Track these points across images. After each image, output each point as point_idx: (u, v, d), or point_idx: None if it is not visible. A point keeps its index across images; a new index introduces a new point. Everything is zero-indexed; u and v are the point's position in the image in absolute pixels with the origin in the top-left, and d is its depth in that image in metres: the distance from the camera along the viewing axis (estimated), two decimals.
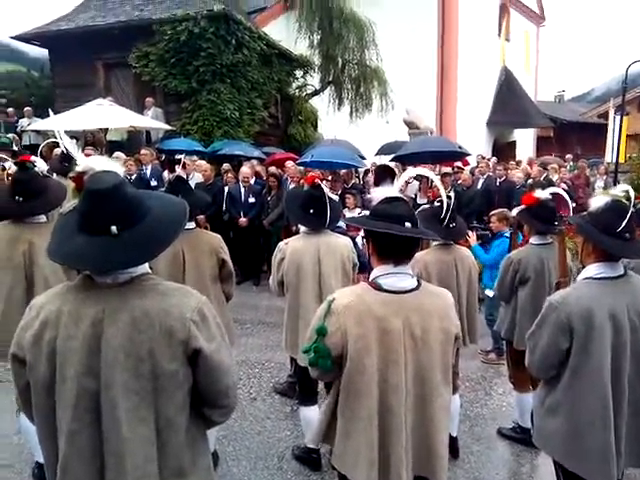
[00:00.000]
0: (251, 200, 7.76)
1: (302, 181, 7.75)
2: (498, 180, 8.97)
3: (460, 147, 8.56)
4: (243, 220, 7.63)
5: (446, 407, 1.81)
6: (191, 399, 1.50)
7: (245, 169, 7.97)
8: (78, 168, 1.49)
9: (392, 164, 10.36)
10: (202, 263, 3.18)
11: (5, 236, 2.97)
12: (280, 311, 3.67)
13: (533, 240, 3.44)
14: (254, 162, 9.17)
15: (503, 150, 20.77)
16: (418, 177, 7.84)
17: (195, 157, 8.69)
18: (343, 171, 8.33)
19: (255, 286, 7.70)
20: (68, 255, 1.42)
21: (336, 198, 3.70)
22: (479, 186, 8.84)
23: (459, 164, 9.81)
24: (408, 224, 1.73)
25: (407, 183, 7.80)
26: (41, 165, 3.22)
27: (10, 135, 10.29)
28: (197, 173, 7.92)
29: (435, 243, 3.34)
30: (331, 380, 1.85)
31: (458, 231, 3.36)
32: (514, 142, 22.37)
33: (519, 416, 3.62)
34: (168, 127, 10.13)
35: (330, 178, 8.11)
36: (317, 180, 3.25)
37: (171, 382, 1.43)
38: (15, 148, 9.13)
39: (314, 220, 3.15)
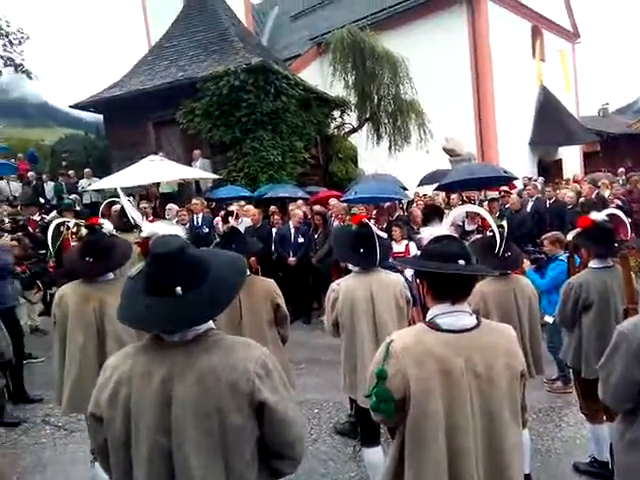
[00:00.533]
0: (300, 240, 7.92)
1: (348, 218, 7.86)
2: (548, 201, 8.76)
3: (505, 171, 8.47)
4: (292, 259, 7.78)
5: (518, 446, 1.74)
6: (259, 452, 1.51)
7: (298, 211, 8.18)
8: (143, 234, 1.61)
9: (435, 193, 10.35)
10: (258, 308, 3.28)
11: (76, 295, 3.13)
12: (333, 349, 3.66)
13: (593, 264, 3.33)
14: (299, 202, 9.40)
15: (549, 169, 20.28)
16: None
17: (242, 202, 9.01)
18: (387, 204, 8.38)
19: (306, 324, 7.75)
20: (136, 318, 1.50)
21: (384, 235, 3.73)
22: (528, 209, 8.66)
23: (505, 188, 9.67)
24: (462, 262, 1.71)
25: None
26: (107, 226, 3.38)
27: (72, 196, 11.04)
28: (246, 218, 8.18)
29: None
30: (395, 425, 1.78)
31: (514, 260, 3.29)
32: (560, 160, 21.81)
33: (595, 449, 3.43)
34: (215, 176, 10.56)
35: (375, 213, 8.17)
36: (365, 219, 3.31)
37: (239, 436, 1.45)
38: (77, 208, 9.76)
39: (364, 259, 3.16)
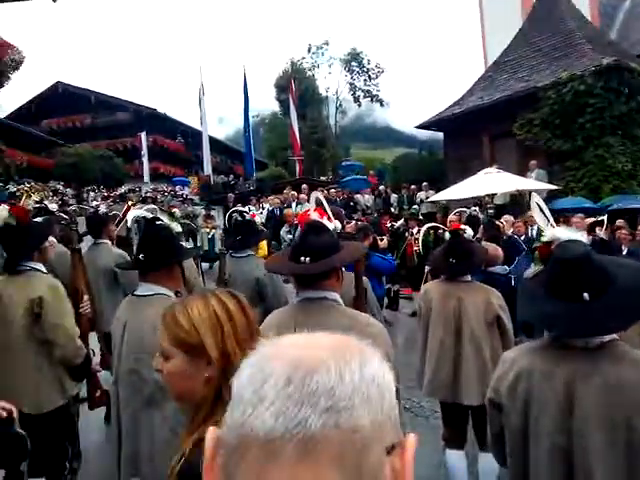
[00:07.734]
0: None
1: None
2: None
3: None
4: None
5: None
6: None
7: None
8: (544, 238, 1.82)
9: None
10: None
11: (439, 292, 3.52)
12: None
13: None
14: None
15: None
16: None
17: (582, 215, 8.40)
18: None
19: None
20: (539, 318, 1.59)
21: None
22: None
23: None
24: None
25: None
26: (469, 232, 3.68)
27: (414, 206, 12.47)
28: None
29: None
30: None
31: None
32: None
33: None
34: (552, 187, 10.16)
35: None
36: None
37: None
38: (420, 217, 10.98)
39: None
